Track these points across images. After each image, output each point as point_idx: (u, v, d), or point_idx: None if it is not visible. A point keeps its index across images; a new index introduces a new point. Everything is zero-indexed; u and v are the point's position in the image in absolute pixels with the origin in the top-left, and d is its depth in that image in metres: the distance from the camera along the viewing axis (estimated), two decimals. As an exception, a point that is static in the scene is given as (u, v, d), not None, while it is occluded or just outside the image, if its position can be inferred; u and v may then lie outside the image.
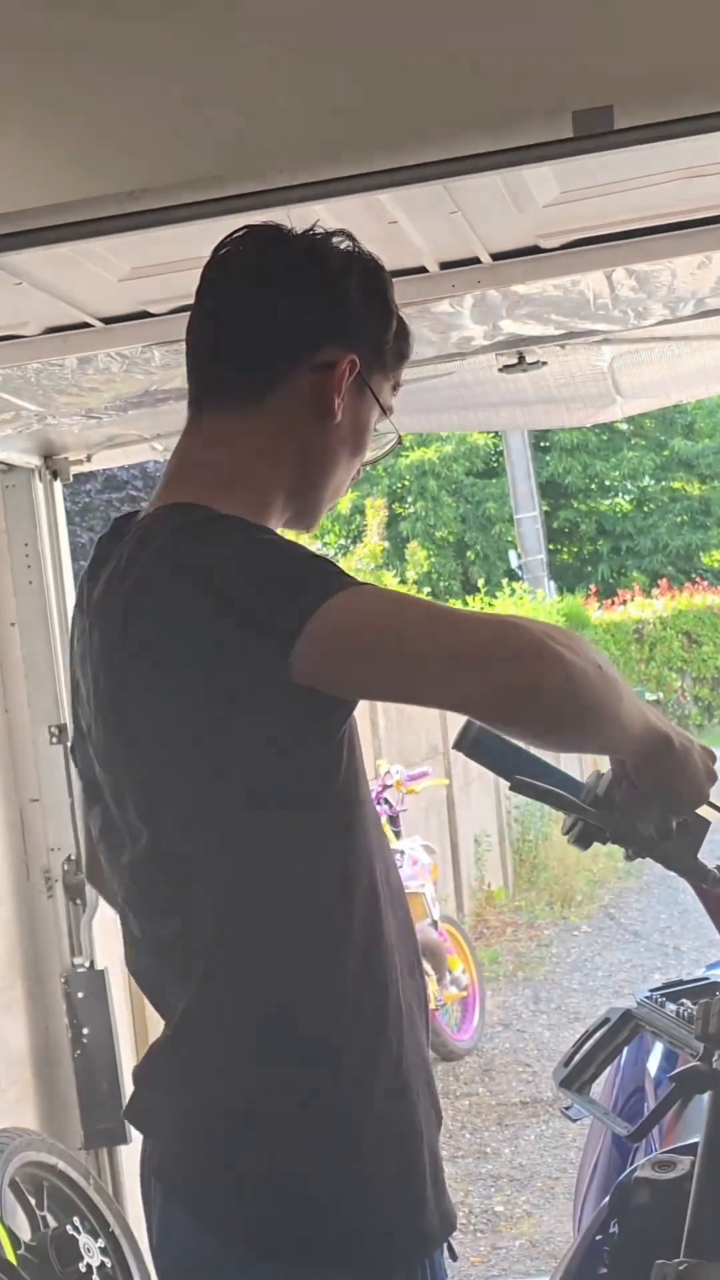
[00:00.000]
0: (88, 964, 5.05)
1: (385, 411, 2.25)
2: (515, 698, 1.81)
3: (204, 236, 2.85)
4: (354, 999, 2.04)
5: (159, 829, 2.05)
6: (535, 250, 3.28)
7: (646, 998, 2.53)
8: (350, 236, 2.26)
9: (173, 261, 3.13)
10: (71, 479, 5.02)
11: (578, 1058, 2.55)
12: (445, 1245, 2.15)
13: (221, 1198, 2.03)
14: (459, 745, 2.19)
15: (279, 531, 2.15)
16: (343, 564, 2.26)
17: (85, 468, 5.04)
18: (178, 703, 1.98)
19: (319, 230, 2.26)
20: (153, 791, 2.06)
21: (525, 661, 1.80)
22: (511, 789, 2.08)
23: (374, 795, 5.84)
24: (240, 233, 2.26)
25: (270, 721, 1.93)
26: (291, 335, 2.18)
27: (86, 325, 3.43)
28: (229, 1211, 2.02)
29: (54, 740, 4.99)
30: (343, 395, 2.17)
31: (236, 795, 1.99)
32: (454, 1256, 2.21)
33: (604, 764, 2.10)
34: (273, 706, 1.92)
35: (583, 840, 2.05)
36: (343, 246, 2.24)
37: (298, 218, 2.84)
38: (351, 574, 1.94)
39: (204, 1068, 2.08)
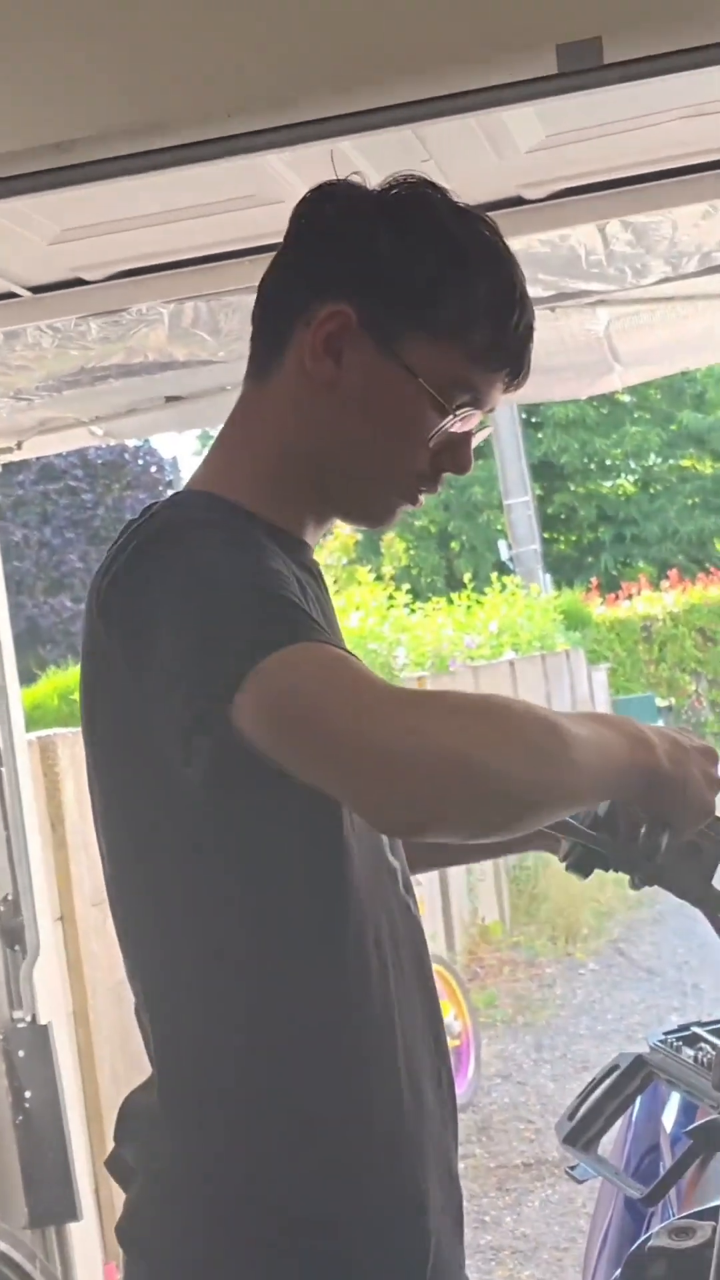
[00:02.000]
0: (29, 1018, 5.03)
1: (438, 393, 2.09)
2: (427, 818, 1.77)
3: (143, 192, 2.87)
4: (325, 1050, 2.04)
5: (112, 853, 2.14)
6: (518, 201, 3.29)
7: (661, 1042, 2.54)
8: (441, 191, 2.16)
9: (109, 221, 3.13)
10: (1, 469, 5.02)
11: (584, 1110, 2.55)
12: None
13: (171, 1259, 2.08)
14: None
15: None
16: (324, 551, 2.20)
17: (16, 456, 5.04)
18: (130, 724, 2.00)
19: (405, 178, 2.18)
20: (106, 814, 2.12)
21: (436, 778, 1.75)
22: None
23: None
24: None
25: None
26: (293, 292, 2.15)
27: (12, 295, 3.43)
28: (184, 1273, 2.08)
29: (-14, 769, 4.98)
30: (330, 356, 2.10)
31: (185, 836, 2.02)
32: None
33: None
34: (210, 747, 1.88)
35: (583, 867, 2.05)
36: (417, 194, 2.16)
37: (247, 168, 2.86)
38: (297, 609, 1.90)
39: (144, 1115, 2.15)
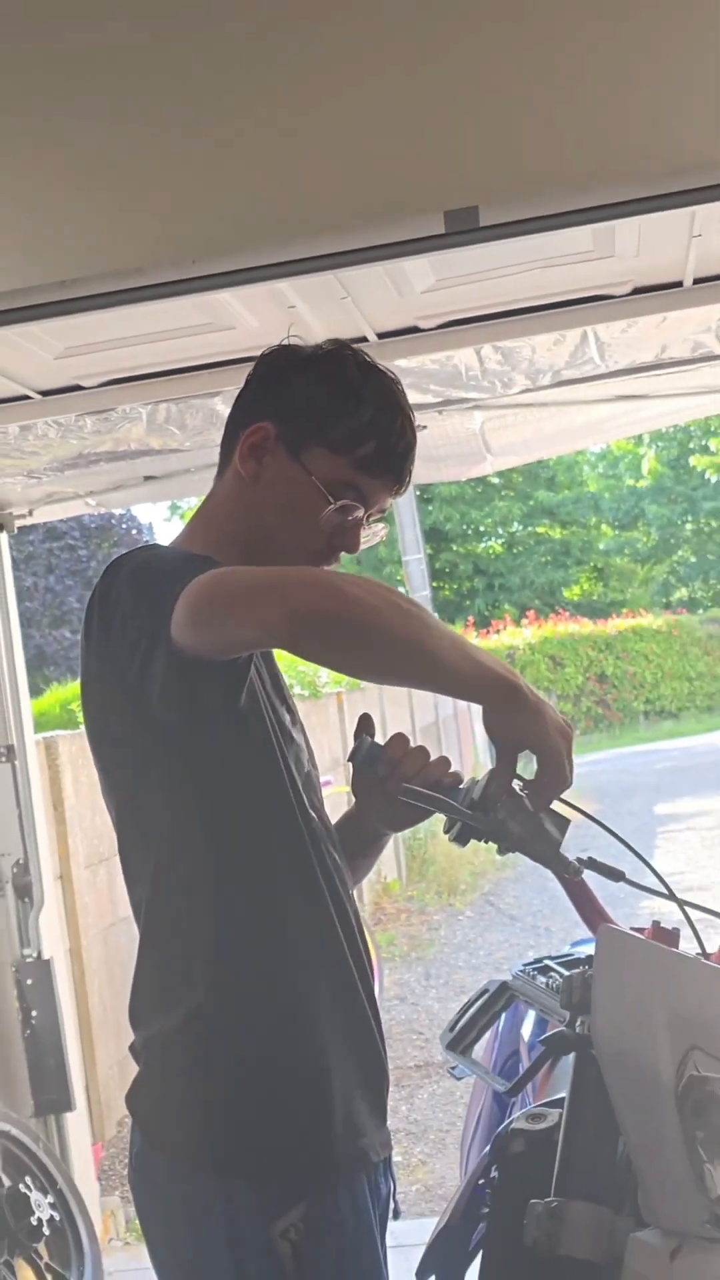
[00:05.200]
0: (35, 954, 4.99)
1: (327, 490, 2.15)
2: (299, 620, 1.80)
3: (127, 319, 2.86)
4: (260, 956, 2.04)
5: (115, 811, 2.15)
6: (415, 330, 3.28)
7: (521, 971, 2.53)
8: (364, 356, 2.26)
9: (101, 341, 3.12)
10: (16, 531, 4.98)
11: (461, 1024, 2.54)
12: (371, 1189, 2.11)
13: (160, 1120, 2.09)
14: (353, 758, 2.20)
15: None
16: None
17: (27, 521, 5.00)
18: (109, 692, 2.07)
19: (331, 341, 2.29)
20: (108, 779, 2.15)
21: (306, 589, 1.83)
22: (399, 796, 2.08)
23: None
24: None
25: (180, 689, 1.92)
26: (238, 417, 2.23)
27: (26, 397, 3.41)
28: (165, 1131, 2.07)
29: (2, 759, 4.93)
30: (254, 459, 2.17)
31: (158, 774, 2.05)
32: (396, 1214, 2.20)
33: (481, 772, 2.09)
34: (164, 678, 1.91)
35: (462, 838, 2.04)
36: (331, 351, 2.25)
37: (205, 303, 2.86)
38: None
39: (147, 1008, 2.12)
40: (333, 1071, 2.05)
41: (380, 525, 2.26)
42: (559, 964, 2.47)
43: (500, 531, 36.64)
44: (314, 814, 2.14)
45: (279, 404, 2.18)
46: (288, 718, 2.17)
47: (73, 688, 18.80)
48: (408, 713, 14.76)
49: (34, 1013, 5.00)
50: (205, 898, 2.05)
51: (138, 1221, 2.18)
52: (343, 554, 2.21)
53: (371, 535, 2.24)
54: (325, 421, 2.16)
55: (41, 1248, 4.53)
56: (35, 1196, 4.52)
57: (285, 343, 2.28)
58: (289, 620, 1.81)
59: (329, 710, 11.69)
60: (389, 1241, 2.14)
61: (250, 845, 2.05)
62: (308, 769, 2.18)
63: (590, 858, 2.17)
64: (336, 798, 10.48)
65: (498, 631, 29.20)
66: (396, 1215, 2.21)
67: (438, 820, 2.12)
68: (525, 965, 2.53)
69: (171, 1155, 2.06)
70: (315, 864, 2.10)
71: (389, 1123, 2.20)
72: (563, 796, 2.00)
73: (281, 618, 1.81)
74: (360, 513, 2.17)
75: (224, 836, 2.04)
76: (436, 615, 1.92)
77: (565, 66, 2.37)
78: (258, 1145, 2.01)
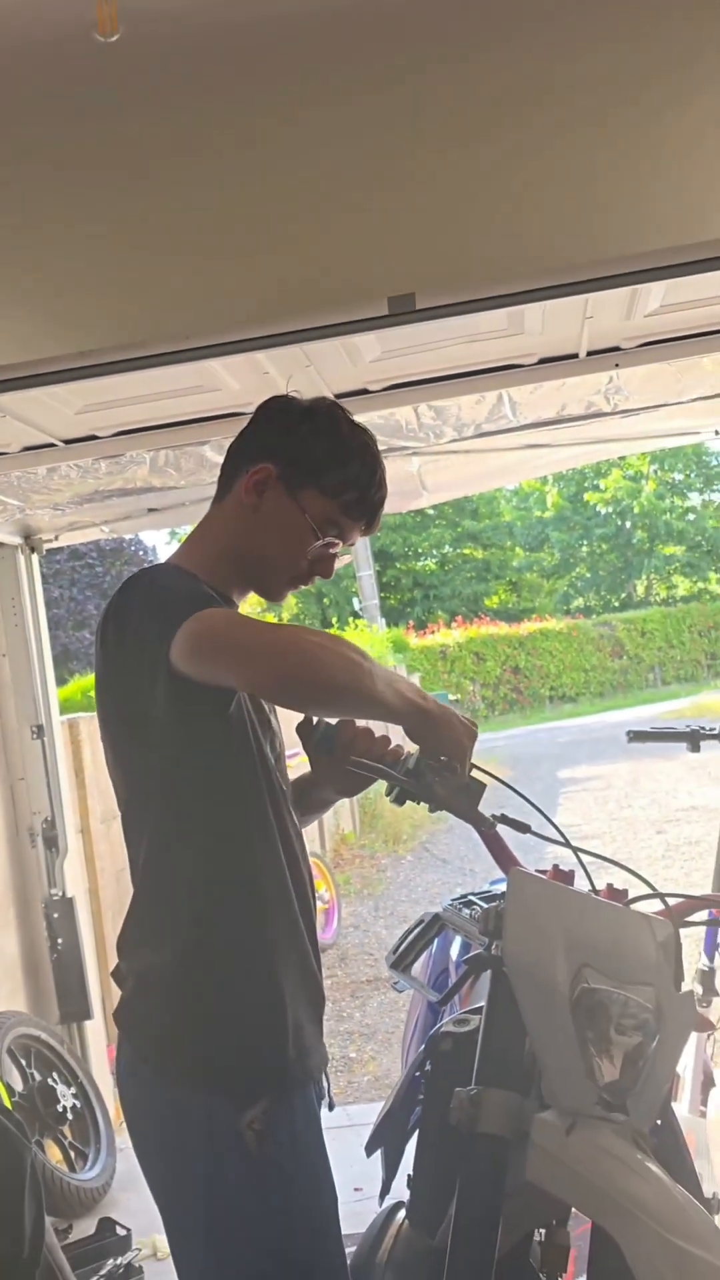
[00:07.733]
0: (60, 894, 4.97)
1: (317, 527, 2.11)
2: (280, 684, 1.82)
3: (134, 382, 2.84)
4: (232, 909, 2.02)
5: (120, 784, 2.11)
6: (365, 391, 3.29)
7: (450, 905, 2.52)
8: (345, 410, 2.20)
9: (113, 400, 3.10)
10: (45, 552, 4.95)
11: (402, 947, 2.53)
12: (315, 1092, 2.10)
13: (151, 1037, 2.05)
14: (309, 739, 2.19)
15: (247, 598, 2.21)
16: (241, 608, 2.20)
17: (54, 544, 4.97)
18: (119, 692, 2.02)
19: (323, 399, 2.23)
20: (115, 757, 2.10)
21: (292, 657, 1.81)
22: (348, 767, 2.08)
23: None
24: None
25: (164, 705, 1.91)
26: (243, 452, 2.16)
27: (52, 445, 3.39)
28: (156, 1046, 2.04)
29: (34, 736, 4.91)
30: (256, 493, 2.11)
31: (159, 763, 2.00)
32: (330, 1106, 2.19)
33: (413, 748, 2.08)
34: (165, 692, 1.90)
35: (400, 800, 2.04)
36: (326, 408, 2.19)
37: (196, 369, 2.84)
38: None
39: (137, 943, 2.08)
40: (287, 1001, 2.04)
41: (347, 553, 2.25)
42: (479, 899, 2.47)
43: (435, 552, 36.73)
44: (279, 788, 2.12)
45: (281, 449, 2.12)
46: (265, 707, 2.16)
47: (91, 679, 18.66)
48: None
49: (59, 940, 4.98)
50: (192, 859, 2.01)
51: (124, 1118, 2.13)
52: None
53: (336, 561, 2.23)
54: (320, 470, 2.11)
55: (66, 1129, 4.52)
56: (60, 1088, 4.50)
57: (285, 394, 2.23)
58: (275, 684, 1.83)
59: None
60: (346, 1122, 2.13)
61: (228, 817, 2.02)
62: (279, 750, 2.17)
63: (503, 814, 2.17)
64: (303, 766, 10.47)
65: (432, 633, 29.26)
66: (331, 1107, 2.20)
67: (383, 784, 2.11)
68: (453, 900, 2.52)
69: (158, 1066, 2.02)
70: (277, 832, 2.07)
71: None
72: (481, 765, 2.01)
73: (269, 681, 1.83)
74: (338, 547, 2.15)
75: (209, 809, 2.01)
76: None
77: (486, 182, 2.39)
78: (231, 1058, 2.00)
